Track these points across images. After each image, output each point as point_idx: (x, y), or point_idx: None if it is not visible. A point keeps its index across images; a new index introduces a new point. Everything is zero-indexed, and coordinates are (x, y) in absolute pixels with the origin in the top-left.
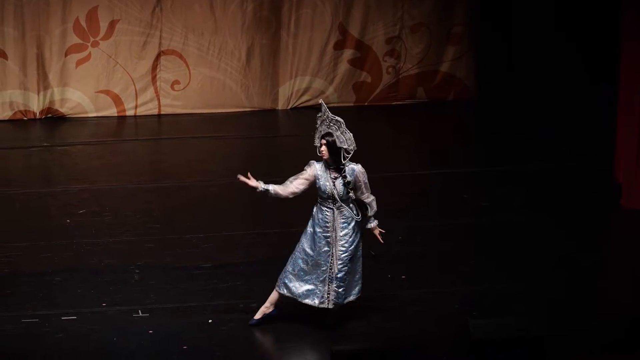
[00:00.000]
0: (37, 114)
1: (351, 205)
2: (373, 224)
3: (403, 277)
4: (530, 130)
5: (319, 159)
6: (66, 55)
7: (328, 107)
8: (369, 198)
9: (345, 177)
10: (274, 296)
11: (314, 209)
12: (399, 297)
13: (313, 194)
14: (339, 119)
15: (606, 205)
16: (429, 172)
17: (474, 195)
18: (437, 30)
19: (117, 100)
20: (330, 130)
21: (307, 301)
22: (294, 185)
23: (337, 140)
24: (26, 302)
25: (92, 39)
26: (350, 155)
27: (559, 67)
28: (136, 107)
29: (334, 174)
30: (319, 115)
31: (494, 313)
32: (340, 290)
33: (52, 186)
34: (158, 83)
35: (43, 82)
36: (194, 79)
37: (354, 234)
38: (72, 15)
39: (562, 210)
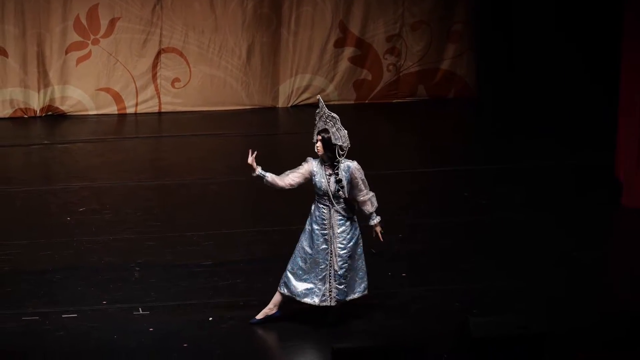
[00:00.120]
0: (38, 111)
1: (342, 201)
2: (375, 220)
3: (403, 274)
4: (531, 129)
5: (316, 155)
6: (67, 53)
7: (329, 105)
8: (369, 194)
9: (337, 174)
10: (276, 298)
11: (312, 207)
12: (400, 295)
13: (313, 191)
14: (335, 115)
15: (606, 203)
16: (429, 169)
17: (474, 193)
18: (437, 28)
19: (117, 98)
20: (326, 127)
21: (307, 300)
22: (290, 177)
23: (332, 136)
24: (26, 300)
25: (92, 37)
26: (344, 152)
27: (559, 65)
28: (136, 104)
29: (329, 171)
30: (317, 111)
31: (494, 311)
32: (341, 287)
33: (52, 184)
34: (158, 81)
35: (43, 80)
36: (194, 77)
37: (352, 231)
38: (72, 13)
39: (562, 208)
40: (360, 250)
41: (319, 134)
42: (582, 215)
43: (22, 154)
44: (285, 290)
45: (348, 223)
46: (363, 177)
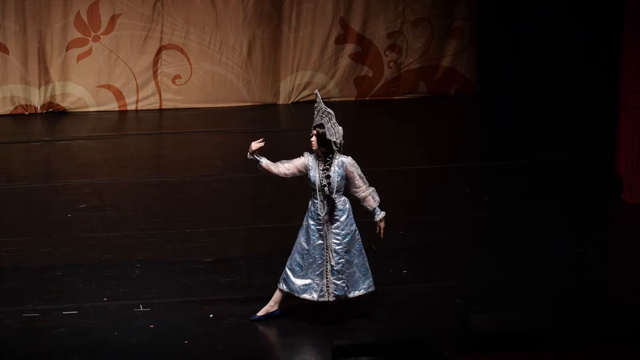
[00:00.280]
0: (39, 108)
1: (335, 197)
2: (380, 215)
3: (404, 271)
4: (532, 125)
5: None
6: (67, 49)
7: (330, 102)
8: (368, 190)
9: (327, 169)
10: (277, 295)
11: (309, 202)
12: (400, 291)
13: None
14: (330, 110)
15: (607, 199)
16: (430, 166)
17: (475, 189)
18: (438, 24)
19: (118, 95)
20: (322, 122)
21: (305, 296)
22: (285, 167)
23: (327, 132)
24: (27, 297)
25: (93, 34)
26: (338, 149)
27: (561, 61)
28: (137, 101)
29: (322, 166)
30: (315, 105)
31: (495, 307)
32: (340, 282)
33: (53, 181)
34: (159, 77)
35: (44, 77)
36: (195, 74)
37: (347, 227)
38: (73, 10)
39: (563, 204)
40: (359, 246)
41: (314, 128)
42: (582, 211)
43: (22, 151)
44: (285, 287)
45: (343, 218)
46: (360, 173)
